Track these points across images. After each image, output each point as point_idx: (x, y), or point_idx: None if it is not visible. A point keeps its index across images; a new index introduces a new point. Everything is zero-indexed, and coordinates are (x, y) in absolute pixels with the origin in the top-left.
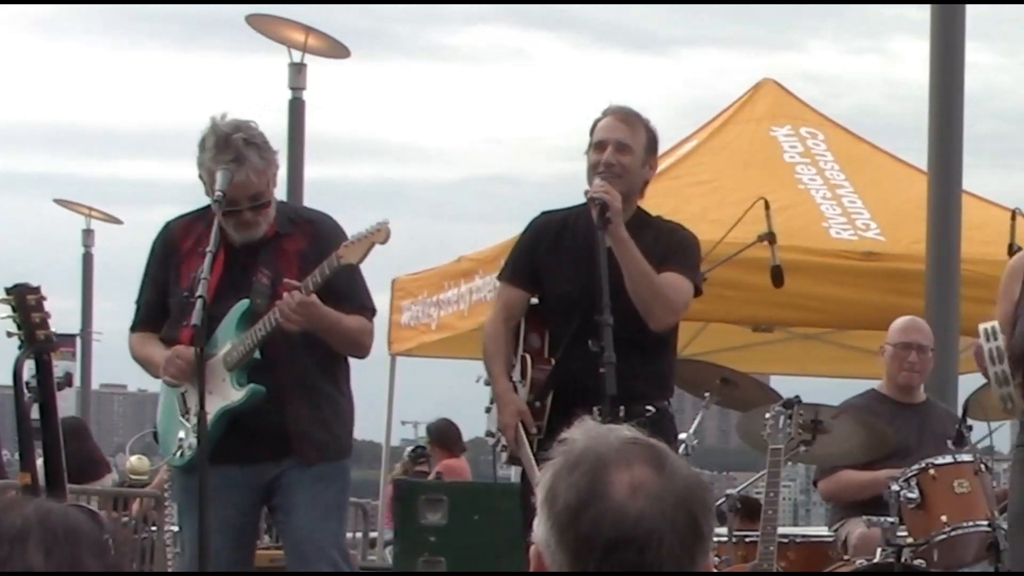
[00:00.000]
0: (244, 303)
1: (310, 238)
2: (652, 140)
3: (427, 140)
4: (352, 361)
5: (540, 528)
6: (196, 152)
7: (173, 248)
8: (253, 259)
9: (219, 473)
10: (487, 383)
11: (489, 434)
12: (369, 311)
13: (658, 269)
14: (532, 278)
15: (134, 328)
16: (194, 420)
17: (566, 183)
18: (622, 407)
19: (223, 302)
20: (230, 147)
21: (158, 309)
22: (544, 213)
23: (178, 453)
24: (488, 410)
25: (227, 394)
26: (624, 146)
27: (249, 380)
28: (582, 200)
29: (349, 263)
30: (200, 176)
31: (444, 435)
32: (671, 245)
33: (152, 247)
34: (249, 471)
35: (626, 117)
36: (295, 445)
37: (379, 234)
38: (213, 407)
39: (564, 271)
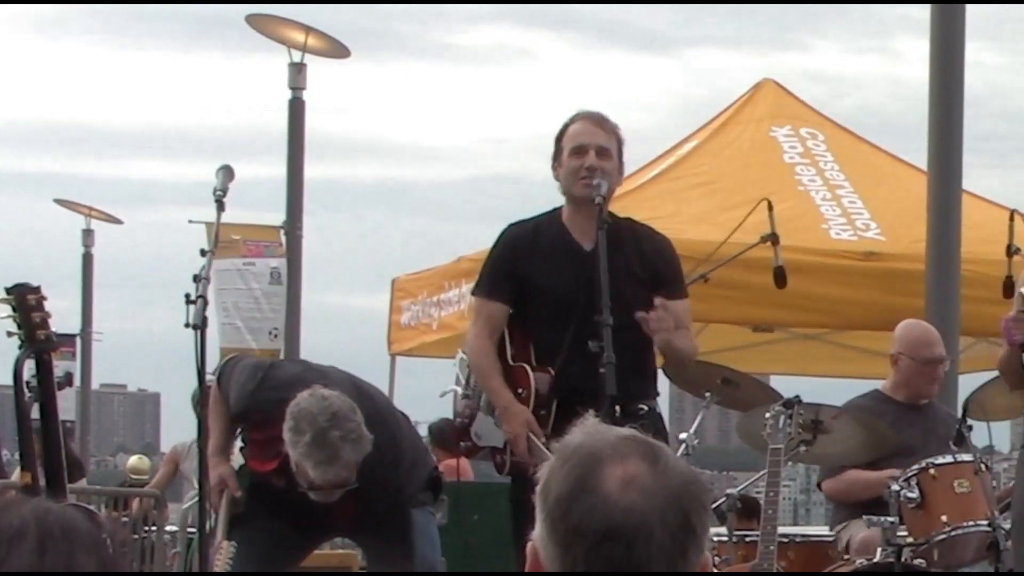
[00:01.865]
0: None
1: (358, 504)
2: (622, 146)
3: (430, 140)
4: (352, 360)
5: (536, 523)
6: (290, 435)
7: (246, 425)
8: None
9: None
10: (464, 396)
11: (468, 444)
12: (413, 559)
13: (654, 291)
14: (510, 291)
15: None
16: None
17: None
18: (617, 407)
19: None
20: (327, 445)
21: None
22: (512, 225)
23: None
24: (461, 423)
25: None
26: (605, 151)
27: None
28: (553, 208)
29: None
30: (286, 452)
31: (445, 435)
32: (661, 265)
33: (226, 392)
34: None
35: (601, 122)
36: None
37: None
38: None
39: (552, 277)
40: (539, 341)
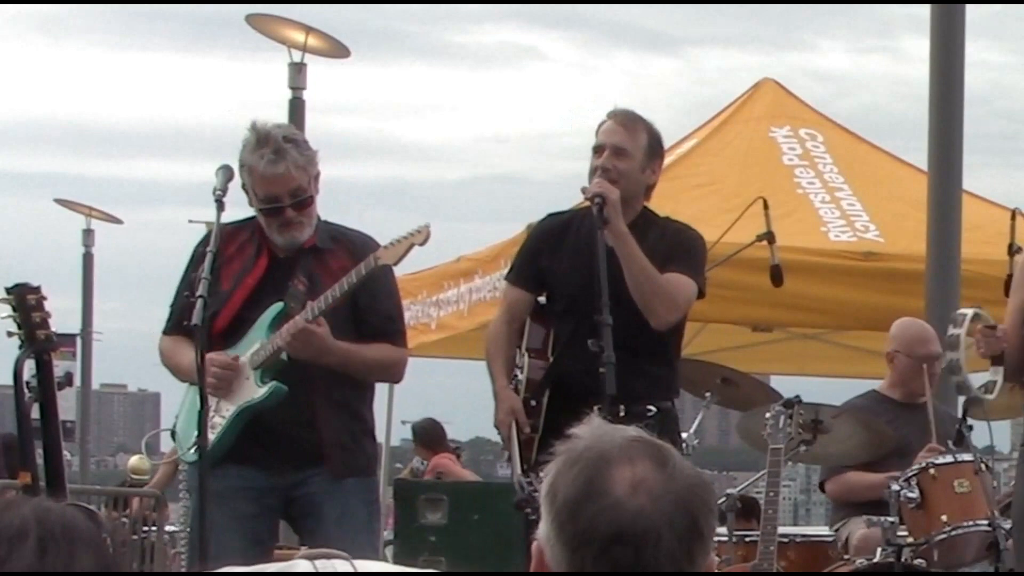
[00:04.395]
0: (278, 305)
1: (351, 255)
2: (654, 144)
3: (431, 139)
4: None
5: (542, 524)
6: (240, 153)
7: (214, 253)
8: (294, 267)
9: (237, 474)
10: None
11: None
12: (399, 334)
13: (662, 269)
14: (536, 280)
15: (166, 331)
16: (216, 418)
17: (571, 183)
18: (622, 407)
19: (259, 307)
20: (270, 141)
21: (191, 314)
22: (549, 215)
23: (192, 450)
24: None
25: (249, 391)
26: (621, 151)
27: (273, 380)
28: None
29: (386, 264)
30: (243, 186)
31: (429, 434)
32: (675, 245)
33: (193, 252)
34: (268, 473)
35: (625, 121)
36: (327, 454)
37: (418, 236)
38: (233, 405)
39: (567, 271)
40: (555, 332)
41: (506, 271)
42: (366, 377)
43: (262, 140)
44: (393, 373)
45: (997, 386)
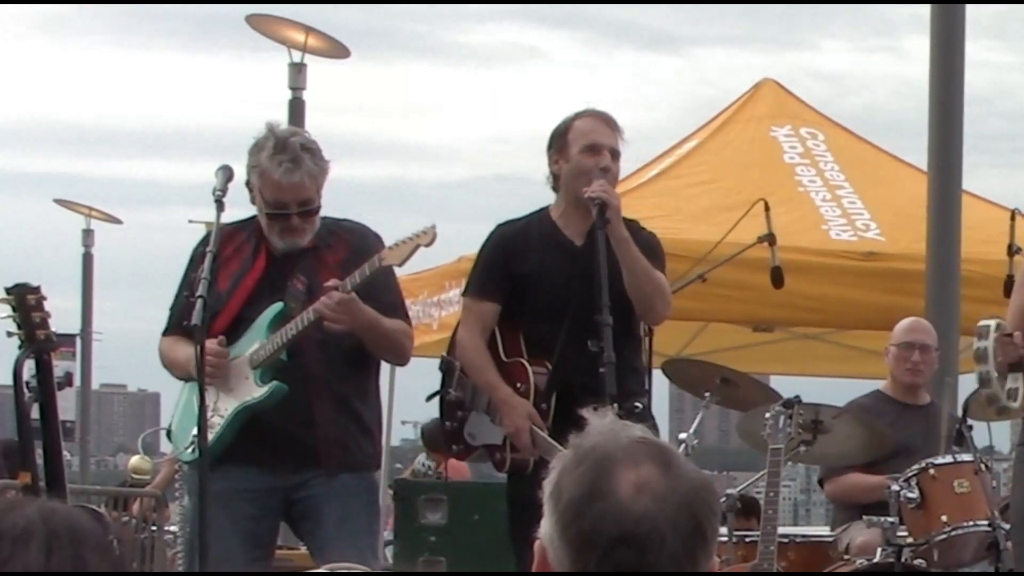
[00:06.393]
0: (277, 305)
1: (349, 248)
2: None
3: (432, 139)
4: None
5: (545, 523)
6: (252, 154)
7: (215, 253)
8: (291, 267)
9: (236, 475)
10: (445, 397)
11: (460, 447)
12: (405, 317)
13: None
14: (502, 289)
15: (165, 332)
16: (214, 418)
17: None
18: (616, 405)
19: (258, 307)
20: (288, 148)
21: (190, 314)
22: (502, 224)
23: (189, 448)
24: (451, 427)
25: (248, 391)
26: (616, 153)
27: (273, 379)
28: (541, 207)
29: (390, 265)
30: (247, 183)
31: (435, 437)
32: (643, 243)
33: (192, 254)
34: (268, 474)
35: (610, 122)
36: (321, 452)
37: (424, 236)
38: (232, 404)
39: (546, 275)
40: (531, 336)
41: (463, 288)
42: (383, 347)
43: (280, 146)
44: (405, 348)
45: (1020, 392)
